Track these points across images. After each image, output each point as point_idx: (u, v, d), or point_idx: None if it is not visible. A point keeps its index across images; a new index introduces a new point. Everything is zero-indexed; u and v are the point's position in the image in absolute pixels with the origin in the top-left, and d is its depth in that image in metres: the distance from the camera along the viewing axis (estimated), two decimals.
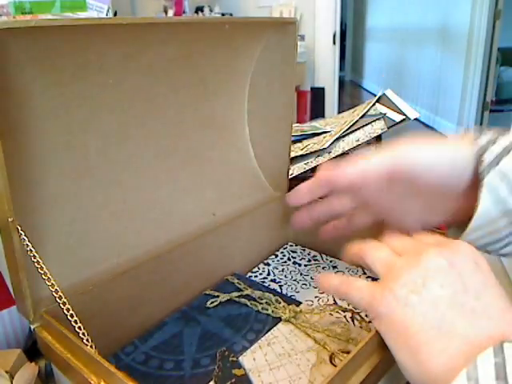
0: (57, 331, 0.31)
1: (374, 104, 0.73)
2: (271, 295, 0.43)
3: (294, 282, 0.47)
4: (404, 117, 0.69)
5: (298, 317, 0.40)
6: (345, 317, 0.40)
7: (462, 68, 3.33)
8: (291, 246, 0.55)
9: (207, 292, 0.45)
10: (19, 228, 0.31)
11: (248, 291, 0.44)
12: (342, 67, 5.45)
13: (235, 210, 0.49)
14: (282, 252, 0.54)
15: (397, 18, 4.73)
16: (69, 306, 0.33)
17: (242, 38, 0.45)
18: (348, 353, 0.33)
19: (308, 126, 0.76)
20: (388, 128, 0.67)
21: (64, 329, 0.31)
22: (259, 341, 0.38)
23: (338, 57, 2.93)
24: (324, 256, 0.52)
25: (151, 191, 0.43)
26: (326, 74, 2.89)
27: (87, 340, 0.32)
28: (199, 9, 2.88)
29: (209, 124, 0.47)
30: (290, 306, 0.41)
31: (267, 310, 0.41)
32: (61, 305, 0.33)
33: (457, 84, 3.41)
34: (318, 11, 2.79)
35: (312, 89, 2.87)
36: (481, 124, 3.42)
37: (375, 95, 0.76)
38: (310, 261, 0.51)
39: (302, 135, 0.71)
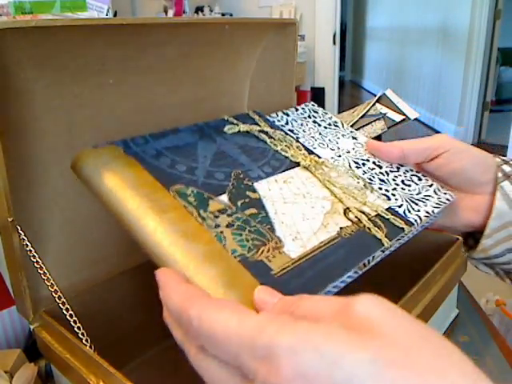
0: (56, 331, 0.31)
1: (373, 104, 0.73)
2: (293, 139, 0.40)
3: (311, 139, 0.43)
4: (404, 117, 0.69)
5: (318, 168, 0.37)
6: (363, 183, 0.38)
7: (462, 68, 3.33)
8: (313, 105, 0.50)
9: (226, 117, 0.41)
10: (19, 228, 0.31)
11: (268, 129, 0.41)
12: (342, 67, 5.46)
13: None
14: (303, 108, 0.49)
15: (397, 18, 4.73)
16: (68, 306, 0.33)
17: (242, 38, 0.45)
18: (363, 212, 0.33)
19: None
20: (388, 128, 0.67)
21: (63, 329, 0.31)
22: (275, 175, 0.35)
23: (338, 57, 2.93)
24: (345, 125, 0.49)
25: None
26: (326, 74, 2.89)
27: (86, 340, 0.32)
28: (199, 9, 2.88)
29: None
30: (311, 156, 0.39)
31: (287, 151, 0.38)
32: (60, 305, 0.33)
33: (457, 84, 3.41)
34: (318, 11, 2.79)
35: (312, 89, 2.87)
36: (481, 124, 3.42)
37: (375, 95, 0.76)
38: (330, 124, 0.47)
39: None
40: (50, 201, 0.35)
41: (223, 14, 2.85)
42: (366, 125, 0.69)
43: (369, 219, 0.32)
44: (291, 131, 0.43)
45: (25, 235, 0.31)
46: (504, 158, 0.42)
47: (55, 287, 0.33)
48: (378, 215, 0.33)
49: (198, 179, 0.32)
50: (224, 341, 0.19)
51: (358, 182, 0.37)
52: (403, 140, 0.42)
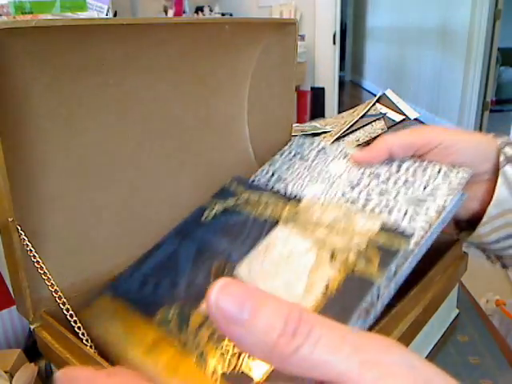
0: (56, 331, 0.31)
1: (374, 104, 0.73)
2: (270, 194, 0.40)
3: (299, 180, 0.43)
4: (404, 117, 0.69)
5: (299, 215, 0.36)
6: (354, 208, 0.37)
7: (462, 68, 3.33)
8: (300, 136, 0.51)
9: (203, 205, 0.42)
10: (19, 228, 0.31)
11: (246, 196, 0.40)
12: (342, 67, 5.45)
13: None
14: (289, 146, 0.49)
15: (397, 18, 4.73)
16: (68, 306, 0.33)
17: (242, 38, 0.45)
18: (350, 250, 0.31)
19: (308, 126, 0.76)
20: (388, 128, 0.67)
21: (63, 329, 0.31)
22: (257, 248, 0.35)
23: (338, 57, 2.93)
24: (334, 146, 0.48)
25: (151, 191, 0.43)
26: (326, 73, 2.89)
27: (86, 340, 0.32)
28: (199, 9, 2.88)
29: (209, 124, 0.47)
30: (291, 204, 0.38)
31: (264, 212, 0.38)
32: (60, 305, 0.33)
33: (457, 84, 3.41)
34: (318, 11, 2.79)
35: (312, 89, 2.87)
36: (481, 124, 3.42)
37: (375, 95, 0.76)
38: (319, 152, 0.47)
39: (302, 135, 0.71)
40: (50, 201, 0.35)
41: (223, 14, 2.85)
42: (366, 125, 0.69)
43: (357, 255, 0.30)
44: (279, 180, 0.44)
45: (25, 235, 0.31)
46: (506, 139, 0.40)
47: (55, 287, 0.33)
48: (369, 244, 0.31)
49: (180, 293, 0.33)
50: None
51: (348, 210, 0.36)
52: (389, 134, 0.41)
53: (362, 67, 6.21)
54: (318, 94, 2.88)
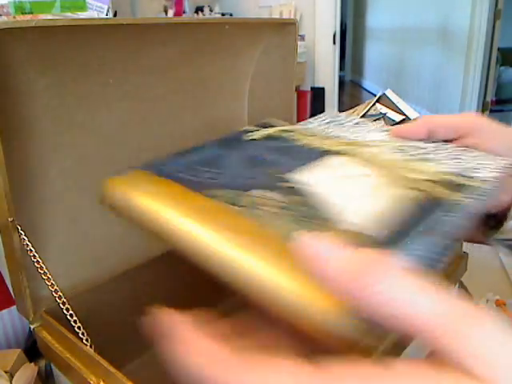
0: (56, 331, 0.31)
1: (373, 104, 0.73)
2: (321, 133, 0.36)
3: (341, 134, 0.40)
4: (404, 117, 0.69)
5: (353, 150, 0.33)
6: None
7: (462, 68, 3.33)
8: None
9: (244, 128, 0.39)
10: (19, 228, 0.31)
11: (291, 127, 0.37)
12: (342, 67, 5.45)
13: None
14: (323, 116, 0.45)
15: (397, 18, 4.73)
16: (68, 306, 0.33)
17: (242, 38, 0.45)
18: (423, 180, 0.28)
19: None
20: None
21: (63, 329, 0.31)
22: (310, 164, 0.31)
23: (338, 57, 2.93)
24: (373, 123, 0.46)
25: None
26: (326, 73, 2.88)
27: (86, 340, 0.32)
28: (199, 9, 2.88)
29: (209, 124, 0.47)
30: (340, 140, 0.35)
31: (317, 143, 0.35)
32: (60, 305, 0.33)
33: (457, 84, 3.41)
34: (318, 11, 2.79)
35: (312, 89, 2.87)
36: None
37: (375, 95, 0.76)
38: (357, 124, 0.44)
39: None
40: (51, 201, 0.35)
41: (223, 14, 2.85)
42: None
43: (431, 183, 0.28)
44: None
45: (25, 235, 0.31)
46: None
47: (55, 287, 0.33)
48: (435, 179, 0.29)
49: (231, 182, 0.30)
50: None
51: (411, 155, 0.33)
52: (430, 116, 0.40)
53: (361, 67, 6.21)
54: (318, 93, 2.88)
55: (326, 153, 0.33)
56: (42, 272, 0.33)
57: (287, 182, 0.29)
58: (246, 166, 0.32)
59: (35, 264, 0.33)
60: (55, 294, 0.33)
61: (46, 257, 0.34)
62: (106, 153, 0.39)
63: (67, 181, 0.36)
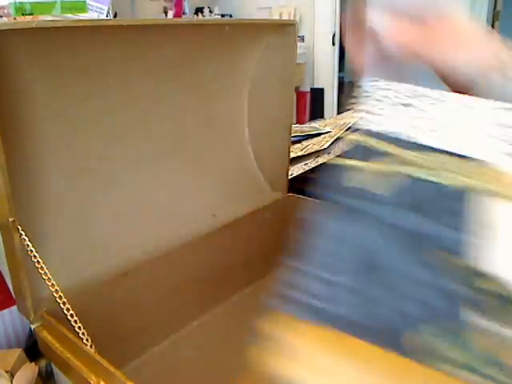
0: (57, 331, 0.31)
1: None
2: (433, 152, 0.24)
3: None
4: None
5: (492, 179, 0.22)
6: None
7: None
8: None
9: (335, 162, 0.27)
10: (19, 228, 0.31)
11: (391, 148, 0.25)
12: (341, 68, 5.44)
13: (235, 211, 0.49)
14: None
15: None
16: (69, 306, 0.33)
17: (242, 39, 0.45)
18: None
19: (307, 127, 0.76)
20: None
21: (64, 329, 0.31)
22: (474, 229, 0.21)
23: (338, 57, 2.93)
24: None
25: (151, 192, 0.43)
26: (326, 74, 2.89)
27: (87, 340, 0.32)
28: (199, 10, 2.88)
29: (209, 125, 0.47)
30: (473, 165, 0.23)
31: (438, 175, 0.23)
32: (61, 305, 0.33)
33: None
34: (318, 12, 2.79)
35: (311, 89, 2.87)
36: None
37: None
38: None
39: (301, 136, 0.71)
40: (51, 201, 0.36)
41: (223, 15, 2.85)
42: None
43: None
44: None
45: (26, 235, 0.31)
46: None
47: (56, 287, 0.33)
48: None
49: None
50: None
51: None
52: None
53: None
54: (318, 94, 2.89)
55: (465, 192, 0.23)
56: (42, 272, 0.33)
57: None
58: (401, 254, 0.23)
59: (35, 264, 0.33)
60: (56, 294, 0.33)
61: (47, 257, 0.34)
62: (106, 153, 0.39)
63: (67, 181, 0.36)
